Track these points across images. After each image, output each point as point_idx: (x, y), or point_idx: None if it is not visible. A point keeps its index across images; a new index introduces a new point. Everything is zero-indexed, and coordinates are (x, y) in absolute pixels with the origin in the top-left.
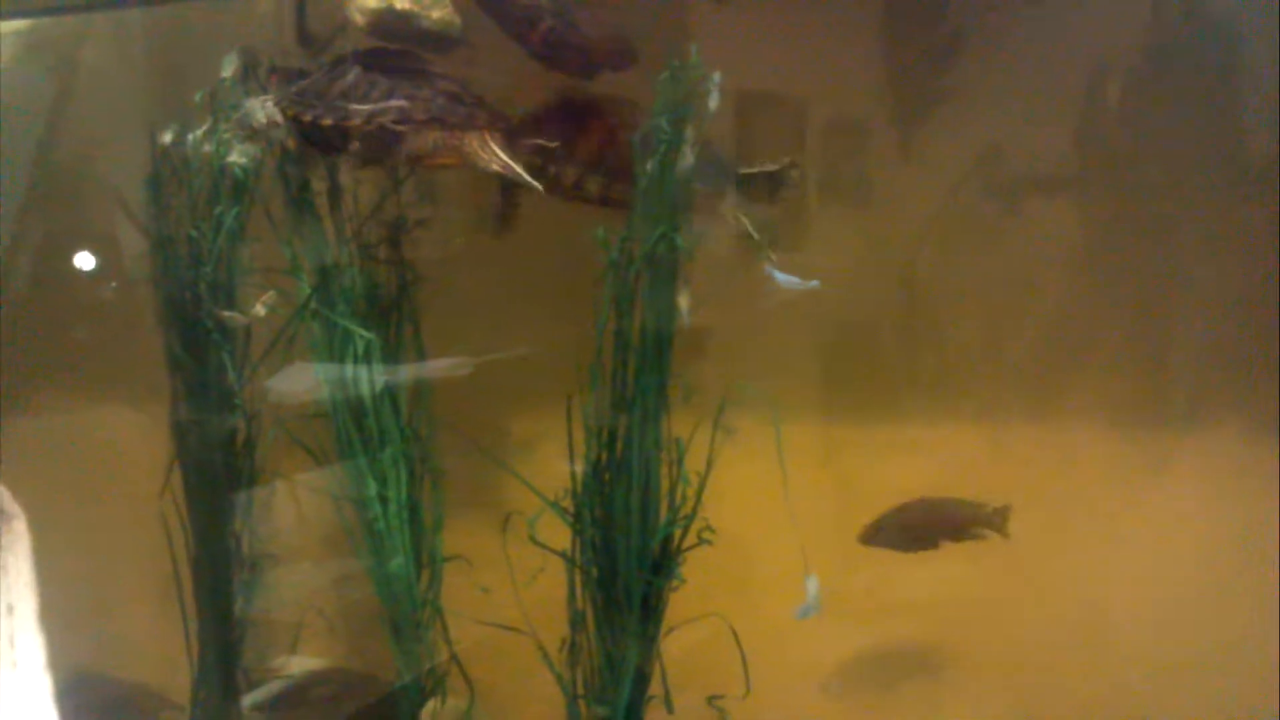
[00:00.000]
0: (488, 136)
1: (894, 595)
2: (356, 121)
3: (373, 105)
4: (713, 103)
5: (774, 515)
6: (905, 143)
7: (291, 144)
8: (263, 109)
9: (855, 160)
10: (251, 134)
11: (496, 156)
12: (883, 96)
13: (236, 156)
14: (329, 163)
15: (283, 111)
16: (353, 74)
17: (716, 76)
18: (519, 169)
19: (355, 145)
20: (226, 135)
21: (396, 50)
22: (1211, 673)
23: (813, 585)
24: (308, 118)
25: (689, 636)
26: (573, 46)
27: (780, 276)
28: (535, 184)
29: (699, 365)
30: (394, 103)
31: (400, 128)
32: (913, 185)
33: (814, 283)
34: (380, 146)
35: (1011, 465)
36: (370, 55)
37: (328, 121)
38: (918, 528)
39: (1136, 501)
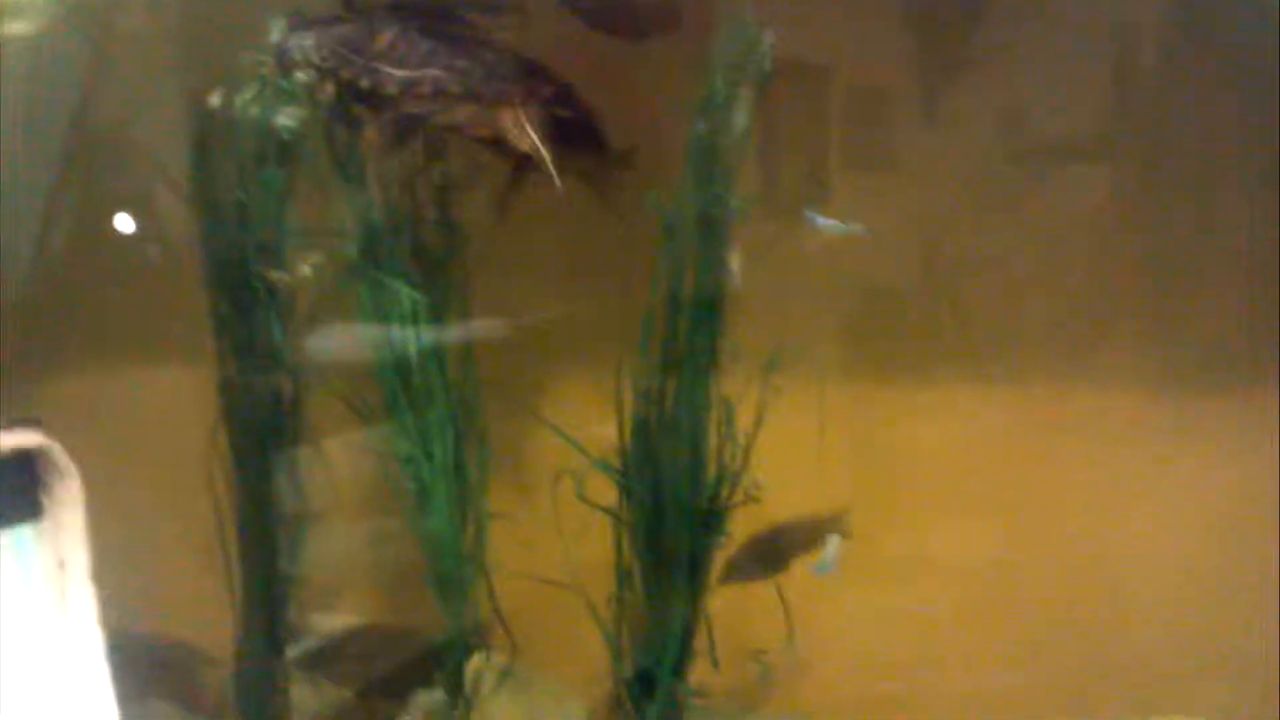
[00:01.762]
0: (521, 115)
1: (928, 556)
2: (392, 90)
3: (409, 72)
4: (766, 64)
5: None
6: (933, 107)
7: (331, 88)
8: (299, 50)
9: (884, 124)
10: (285, 73)
11: (527, 136)
12: (910, 60)
13: (284, 119)
14: (374, 121)
15: (321, 60)
16: (391, 32)
17: (770, 37)
18: (546, 155)
19: (389, 116)
20: (264, 73)
21: (440, 6)
22: (1238, 634)
23: (833, 545)
24: (345, 74)
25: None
26: (624, 8)
27: (821, 221)
28: (555, 176)
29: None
30: (430, 72)
31: (433, 105)
32: (942, 150)
33: (857, 226)
34: (415, 117)
35: (1042, 429)
36: (410, 8)
37: (364, 84)
38: (768, 555)
39: (1164, 464)
